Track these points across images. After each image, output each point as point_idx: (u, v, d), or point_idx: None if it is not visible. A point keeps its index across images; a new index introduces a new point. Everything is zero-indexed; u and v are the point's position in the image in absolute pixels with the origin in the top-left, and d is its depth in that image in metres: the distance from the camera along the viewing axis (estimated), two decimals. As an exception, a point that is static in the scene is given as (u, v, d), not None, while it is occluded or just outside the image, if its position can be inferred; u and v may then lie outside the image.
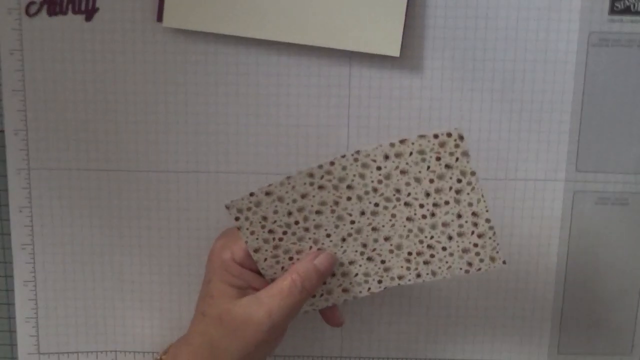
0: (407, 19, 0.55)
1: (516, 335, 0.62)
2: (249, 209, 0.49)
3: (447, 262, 0.50)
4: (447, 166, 0.47)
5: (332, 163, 0.48)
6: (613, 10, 0.56)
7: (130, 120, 0.58)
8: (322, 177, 0.48)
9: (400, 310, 0.61)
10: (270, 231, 0.50)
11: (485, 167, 0.58)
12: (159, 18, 0.56)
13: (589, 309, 0.61)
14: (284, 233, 0.50)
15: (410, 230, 0.50)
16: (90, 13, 0.57)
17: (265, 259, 0.51)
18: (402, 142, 0.47)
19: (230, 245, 0.52)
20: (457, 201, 0.48)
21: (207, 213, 0.60)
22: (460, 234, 0.49)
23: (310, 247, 0.51)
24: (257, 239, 0.50)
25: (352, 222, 0.50)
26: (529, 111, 0.57)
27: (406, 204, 0.49)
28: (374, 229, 0.50)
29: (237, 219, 0.49)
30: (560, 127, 0.58)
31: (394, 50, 0.55)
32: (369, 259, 0.51)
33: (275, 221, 0.49)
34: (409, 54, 0.57)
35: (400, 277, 0.51)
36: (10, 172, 0.59)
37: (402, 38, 0.55)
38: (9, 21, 0.57)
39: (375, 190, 0.49)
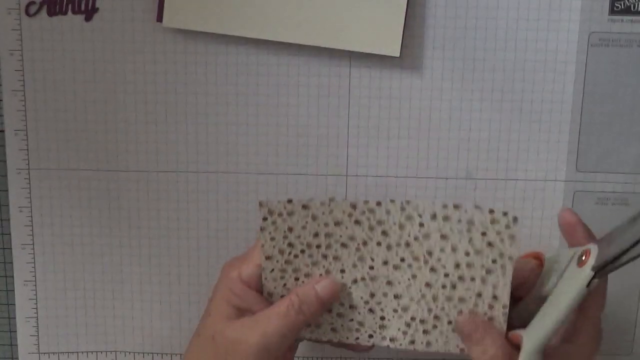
0: (407, 19, 0.55)
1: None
2: (280, 214, 0.48)
3: (446, 337, 0.48)
4: (490, 244, 0.45)
5: (378, 203, 0.47)
6: (613, 10, 0.56)
7: (130, 120, 0.58)
8: (363, 213, 0.47)
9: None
10: (290, 244, 0.48)
11: (485, 167, 0.58)
12: (159, 18, 0.56)
13: (589, 309, 0.61)
14: (302, 252, 0.48)
15: (424, 296, 0.47)
16: (90, 13, 0.57)
17: (272, 270, 0.49)
18: (455, 207, 0.45)
19: (240, 263, 0.50)
20: (484, 280, 0.46)
21: (208, 213, 0.60)
22: (471, 312, 0.47)
23: (320, 275, 0.49)
24: (274, 246, 0.48)
25: (371, 268, 0.48)
26: (529, 111, 0.57)
27: (432, 269, 0.47)
28: (389, 283, 0.48)
29: (264, 219, 0.48)
30: (560, 127, 0.58)
31: (394, 50, 0.55)
32: (371, 310, 0.49)
33: (299, 236, 0.48)
34: (409, 54, 0.57)
35: (392, 340, 0.49)
36: (10, 172, 0.59)
37: (402, 38, 0.55)
38: (8, 21, 0.57)
39: (407, 245, 0.47)
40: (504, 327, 0.46)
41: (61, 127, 0.59)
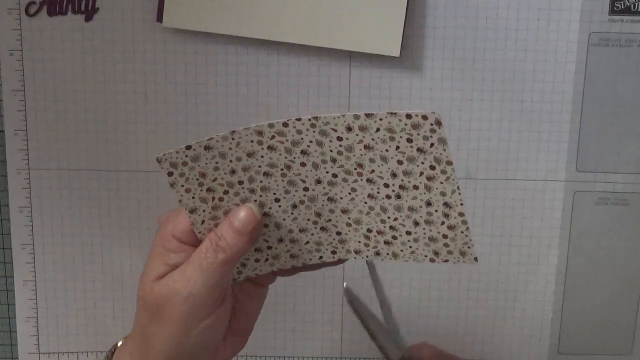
0: (407, 19, 0.55)
1: (516, 335, 0.62)
2: (184, 163, 0.44)
3: (410, 247, 0.46)
4: (420, 150, 0.43)
5: (285, 124, 0.43)
6: (613, 10, 0.56)
7: (130, 120, 0.58)
8: (272, 137, 0.43)
9: (400, 311, 0.61)
10: (209, 190, 0.44)
11: (485, 167, 0.58)
12: (159, 18, 0.56)
13: (589, 309, 0.61)
14: (225, 192, 0.45)
15: (371, 208, 0.45)
16: (90, 13, 0.57)
17: (203, 221, 0.45)
18: (368, 115, 0.42)
19: (173, 218, 0.46)
20: (428, 188, 0.44)
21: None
22: (428, 222, 0.45)
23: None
24: (193, 197, 0.44)
25: (306, 189, 0.45)
26: (529, 111, 0.57)
27: (369, 180, 0.44)
28: (330, 200, 0.45)
29: (170, 173, 0.44)
30: (560, 127, 0.58)
31: (394, 50, 0.55)
32: (323, 228, 0.46)
33: (215, 179, 0.44)
34: (409, 54, 0.57)
35: (357, 252, 0.47)
36: (10, 172, 0.59)
37: (402, 38, 0.55)
38: (9, 21, 0.57)
39: (334, 160, 0.44)
40: (467, 235, 0.45)
41: (61, 127, 0.59)
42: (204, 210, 0.45)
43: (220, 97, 0.58)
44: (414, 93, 0.57)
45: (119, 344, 0.49)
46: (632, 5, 0.55)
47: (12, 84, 0.58)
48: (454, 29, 0.56)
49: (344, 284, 0.54)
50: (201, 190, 0.44)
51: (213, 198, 0.45)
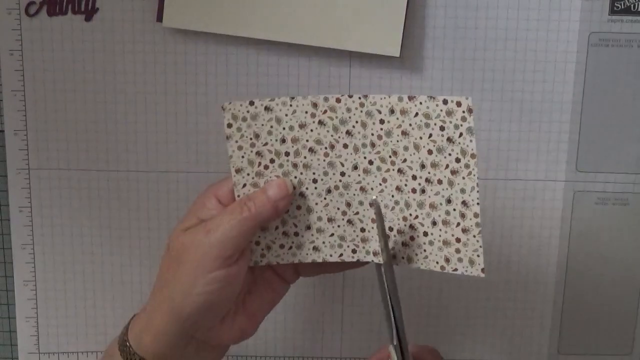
0: (407, 19, 0.55)
1: (516, 335, 0.62)
2: (244, 119, 0.45)
3: (424, 251, 0.47)
4: (450, 140, 0.44)
5: (338, 100, 0.45)
6: (613, 10, 0.56)
7: (130, 121, 0.58)
8: (324, 112, 0.45)
9: (400, 310, 0.61)
10: (258, 153, 0.46)
11: (485, 167, 0.58)
12: (159, 18, 0.56)
13: (589, 309, 0.61)
14: (272, 161, 0.46)
15: (397, 203, 0.46)
16: (90, 13, 0.57)
17: (244, 185, 0.47)
18: (410, 98, 0.44)
19: (219, 182, 0.48)
20: (451, 183, 0.45)
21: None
22: (445, 222, 0.45)
23: (294, 188, 0.47)
24: (242, 157, 0.46)
25: (342, 174, 0.47)
26: (529, 111, 0.57)
27: (400, 170, 0.45)
28: (362, 190, 0.47)
29: (229, 125, 0.45)
30: (560, 127, 0.58)
31: (394, 50, 0.55)
32: (349, 221, 0.47)
33: (266, 143, 0.46)
34: (409, 54, 0.57)
35: (375, 254, 0.48)
36: (10, 172, 0.59)
37: (402, 38, 0.55)
38: (8, 21, 0.57)
39: (373, 145, 0.45)
40: (479, 241, 0.45)
41: (61, 127, 0.59)
42: (248, 174, 0.47)
43: (220, 97, 0.58)
44: (414, 93, 0.57)
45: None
46: (632, 5, 0.55)
47: (12, 84, 0.58)
48: (454, 29, 0.56)
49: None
50: (251, 151, 0.46)
51: (259, 163, 0.46)
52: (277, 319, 0.62)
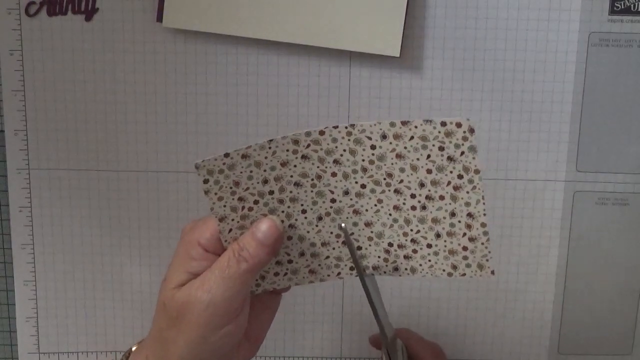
0: (407, 19, 0.55)
1: (516, 335, 0.62)
2: (220, 171, 0.44)
3: (429, 261, 0.46)
4: (450, 159, 0.43)
5: (321, 132, 0.43)
6: (613, 10, 0.56)
7: (130, 121, 0.58)
8: (307, 146, 0.43)
9: (400, 311, 0.61)
10: (241, 199, 0.45)
11: (485, 167, 0.58)
12: (159, 18, 0.56)
13: (589, 309, 0.61)
14: (255, 202, 0.45)
15: (395, 220, 0.45)
16: (90, 13, 0.57)
17: (230, 230, 0.45)
18: (404, 123, 0.42)
19: (200, 226, 0.46)
20: (454, 198, 0.44)
21: (207, 213, 0.60)
22: (450, 234, 0.45)
23: (283, 222, 0.46)
24: (224, 205, 0.45)
25: (333, 201, 0.45)
26: (529, 111, 0.57)
27: (396, 191, 0.45)
28: (356, 212, 0.46)
29: (205, 181, 0.44)
30: (560, 127, 0.58)
31: (394, 50, 0.55)
32: (345, 243, 0.46)
33: (247, 188, 0.44)
34: (409, 54, 0.57)
35: (375, 268, 0.47)
36: (10, 172, 0.59)
37: (402, 38, 0.55)
38: (8, 21, 0.57)
39: (364, 170, 0.44)
40: (487, 247, 0.45)
41: (61, 127, 0.59)
42: (232, 219, 0.45)
43: (220, 97, 0.58)
44: (414, 93, 0.57)
45: (134, 348, 0.49)
46: (632, 5, 0.55)
47: (12, 84, 0.58)
48: (454, 29, 0.56)
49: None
50: (233, 199, 0.45)
51: (243, 207, 0.45)
52: (277, 319, 0.61)
